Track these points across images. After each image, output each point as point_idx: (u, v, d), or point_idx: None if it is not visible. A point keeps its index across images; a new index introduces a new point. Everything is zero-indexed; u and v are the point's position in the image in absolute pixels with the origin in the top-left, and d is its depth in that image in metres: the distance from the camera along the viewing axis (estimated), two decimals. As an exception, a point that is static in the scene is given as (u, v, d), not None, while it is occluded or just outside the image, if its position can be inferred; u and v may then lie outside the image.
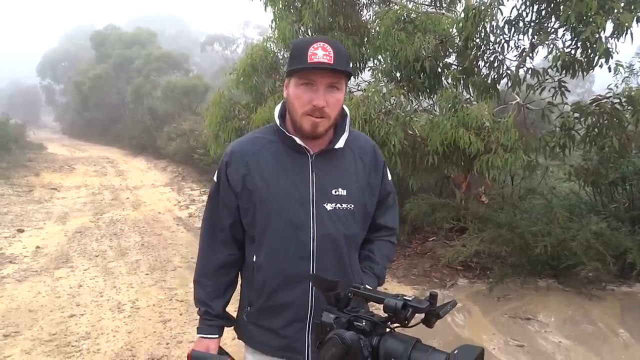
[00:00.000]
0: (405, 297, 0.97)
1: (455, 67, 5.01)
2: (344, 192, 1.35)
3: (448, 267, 4.88)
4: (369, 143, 1.48)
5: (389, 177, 1.52)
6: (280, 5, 5.63)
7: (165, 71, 22.49)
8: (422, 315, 0.99)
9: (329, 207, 1.33)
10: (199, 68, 30.10)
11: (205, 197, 9.48)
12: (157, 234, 6.73)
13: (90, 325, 3.74)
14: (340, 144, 1.36)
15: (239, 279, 1.50)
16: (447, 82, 4.95)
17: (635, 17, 3.80)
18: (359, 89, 5.55)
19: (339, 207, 1.34)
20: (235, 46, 33.51)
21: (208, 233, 1.46)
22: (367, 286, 1.44)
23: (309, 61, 1.22)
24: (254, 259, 1.38)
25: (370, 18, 5.80)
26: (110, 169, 14.50)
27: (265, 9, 5.76)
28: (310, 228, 1.32)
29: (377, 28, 5.02)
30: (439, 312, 0.98)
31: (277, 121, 1.37)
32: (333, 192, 1.34)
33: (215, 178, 1.42)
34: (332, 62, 1.22)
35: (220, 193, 1.40)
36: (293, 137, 1.32)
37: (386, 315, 0.99)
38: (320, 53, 1.22)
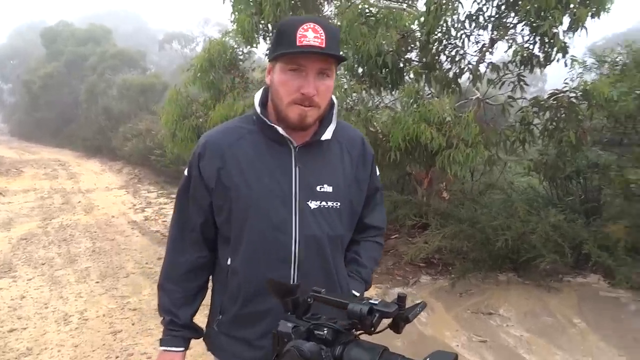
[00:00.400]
0: (371, 301, 0.86)
1: (417, 62, 5.00)
2: (329, 189, 1.23)
3: (411, 265, 4.85)
4: (358, 135, 1.36)
5: (377, 172, 1.40)
6: (239, -4, 5.44)
7: (120, 69, 21.56)
8: (390, 320, 0.89)
9: (313, 205, 1.21)
10: (157, 66, 29.25)
11: (162, 200, 9.20)
12: (109, 239, 6.37)
13: (33, 340, 3.44)
14: (327, 135, 1.23)
15: (209, 284, 1.35)
16: (409, 78, 4.93)
17: (590, 13, 3.89)
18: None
19: (324, 206, 1.22)
20: (194, 44, 32.95)
21: (176, 233, 1.31)
22: (354, 292, 1.33)
23: (298, 44, 1.08)
24: (229, 262, 1.24)
25: (332, 13, 5.73)
26: (61, 172, 13.75)
27: (224, 1, 5.56)
28: (292, 228, 1.19)
29: (339, 22, 4.94)
30: (408, 316, 0.88)
31: (258, 109, 1.23)
32: (318, 188, 1.22)
33: (185, 172, 1.27)
34: (323, 45, 1.09)
35: (191, 188, 1.25)
36: (275, 126, 1.19)
37: (350, 321, 0.88)
38: (311, 35, 1.09)
